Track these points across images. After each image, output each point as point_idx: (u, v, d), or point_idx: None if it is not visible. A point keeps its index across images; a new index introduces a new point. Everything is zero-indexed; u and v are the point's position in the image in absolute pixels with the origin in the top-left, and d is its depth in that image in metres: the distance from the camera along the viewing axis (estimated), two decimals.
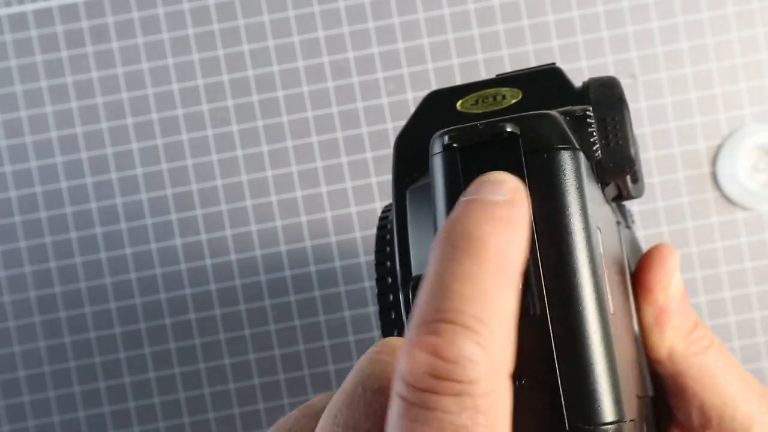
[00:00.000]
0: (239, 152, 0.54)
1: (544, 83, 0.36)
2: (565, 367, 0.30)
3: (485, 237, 0.28)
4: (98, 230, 0.54)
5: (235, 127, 0.54)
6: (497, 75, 0.38)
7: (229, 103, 0.54)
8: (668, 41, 0.54)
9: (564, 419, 0.29)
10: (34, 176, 0.54)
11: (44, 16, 0.54)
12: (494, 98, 0.37)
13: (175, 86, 0.54)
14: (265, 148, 0.54)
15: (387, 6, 0.54)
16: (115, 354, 0.54)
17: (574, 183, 0.31)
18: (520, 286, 0.29)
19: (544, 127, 0.32)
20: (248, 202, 0.54)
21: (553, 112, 0.33)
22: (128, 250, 0.54)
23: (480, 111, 0.37)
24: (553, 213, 0.31)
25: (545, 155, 0.32)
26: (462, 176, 0.31)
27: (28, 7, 0.54)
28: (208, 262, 0.54)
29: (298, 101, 0.54)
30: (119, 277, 0.54)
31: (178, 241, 0.54)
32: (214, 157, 0.54)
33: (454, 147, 0.31)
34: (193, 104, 0.54)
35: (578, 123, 0.34)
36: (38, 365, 0.54)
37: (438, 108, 0.38)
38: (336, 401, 0.31)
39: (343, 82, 0.54)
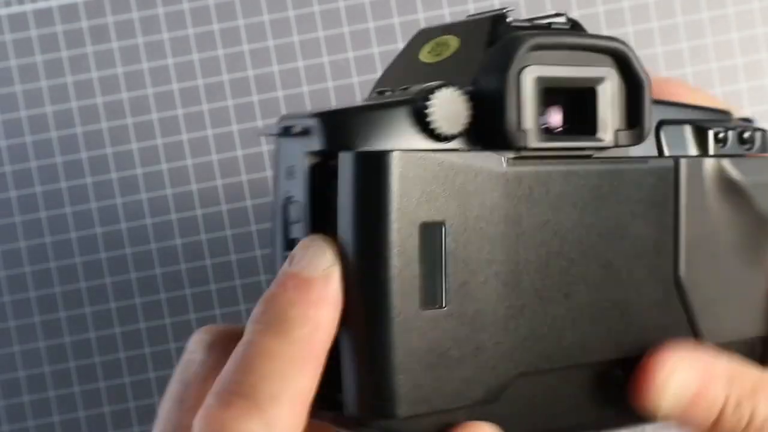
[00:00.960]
0: (239, 152, 0.54)
1: (483, 31, 0.36)
2: (348, 361, 0.31)
3: (296, 320, 0.29)
4: (98, 230, 0.54)
5: (235, 127, 0.54)
6: (468, 16, 0.37)
7: (229, 103, 0.54)
8: (668, 41, 0.54)
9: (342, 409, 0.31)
10: (34, 176, 0.54)
11: (44, 16, 0.54)
12: (442, 47, 0.37)
13: (175, 86, 0.54)
14: (264, 148, 0.54)
15: (387, 6, 0.54)
16: (115, 354, 0.54)
17: (357, 189, 0.31)
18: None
19: (337, 128, 0.32)
20: (248, 202, 0.54)
21: (361, 105, 0.33)
22: (128, 250, 0.54)
23: (429, 61, 0.36)
24: (339, 222, 0.32)
25: (333, 160, 0.32)
26: (279, 166, 0.34)
27: (28, 7, 0.54)
28: (208, 262, 0.54)
29: (298, 101, 0.54)
30: (119, 276, 0.54)
31: (178, 241, 0.54)
32: (214, 157, 0.54)
33: (276, 134, 0.33)
34: (193, 104, 0.54)
35: (418, 113, 0.33)
36: (38, 365, 0.54)
37: (413, 50, 0.38)
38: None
39: (343, 82, 0.54)
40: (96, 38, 0.54)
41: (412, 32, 0.54)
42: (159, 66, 0.54)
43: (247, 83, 0.54)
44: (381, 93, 0.36)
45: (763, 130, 0.40)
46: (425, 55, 0.37)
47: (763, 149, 0.40)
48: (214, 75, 0.54)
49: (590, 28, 0.54)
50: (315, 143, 0.32)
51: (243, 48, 0.54)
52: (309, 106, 0.54)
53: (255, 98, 0.54)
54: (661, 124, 0.38)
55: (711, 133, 0.39)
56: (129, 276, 0.54)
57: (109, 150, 0.54)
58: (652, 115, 0.36)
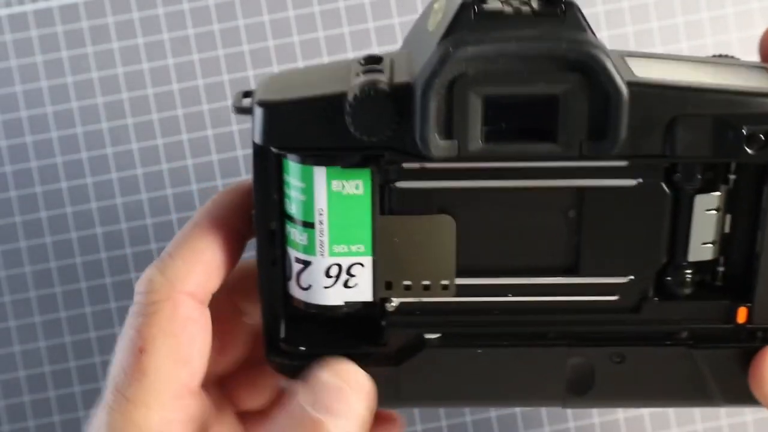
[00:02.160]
0: (239, 152, 0.54)
1: (451, 13, 0.33)
2: None
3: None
4: (98, 230, 0.54)
5: (234, 127, 0.54)
6: None
7: (229, 103, 0.54)
8: (668, 41, 0.54)
9: None
10: (35, 176, 0.54)
11: (44, 16, 0.54)
12: (435, 14, 0.35)
13: (175, 86, 0.54)
14: None
15: (387, 6, 0.54)
16: None
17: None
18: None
19: (270, 126, 0.35)
20: None
21: (296, 99, 0.34)
22: (128, 250, 0.54)
23: (430, 28, 0.34)
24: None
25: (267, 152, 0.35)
26: None
27: (29, 8, 0.54)
28: None
29: None
30: (119, 277, 0.54)
31: None
32: (214, 157, 0.54)
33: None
34: (193, 104, 0.54)
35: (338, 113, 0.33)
36: (38, 365, 0.54)
37: (431, 8, 0.37)
38: None
39: None
40: (96, 38, 0.54)
41: None
42: (159, 66, 0.54)
43: (247, 83, 0.54)
44: (368, 64, 0.34)
45: None
46: (431, 19, 0.35)
47: None
48: (214, 75, 0.54)
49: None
50: (256, 135, 0.35)
51: (243, 48, 0.54)
52: None
53: None
54: (675, 119, 0.33)
55: (744, 132, 0.32)
56: (129, 276, 0.54)
57: (109, 150, 0.54)
58: (624, 125, 0.32)
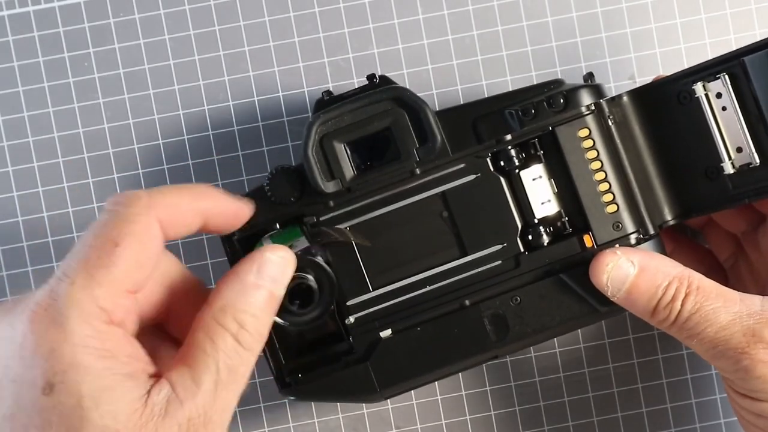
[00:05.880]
0: (240, 153, 0.55)
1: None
2: None
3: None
4: None
5: (235, 128, 0.54)
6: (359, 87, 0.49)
7: (230, 102, 0.54)
8: (667, 42, 0.55)
9: None
10: (37, 176, 0.54)
11: (46, 17, 0.54)
12: None
13: (175, 86, 0.54)
14: (265, 149, 0.54)
15: (387, 6, 0.54)
16: None
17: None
18: None
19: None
20: None
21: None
22: None
23: None
24: None
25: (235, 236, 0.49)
26: None
27: (30, 8, 0.54)
28: (209, 262, 0.55)
29: (299, 101, 0.54)
30: None
31: (178, 240, 0.54)
32: (215, 157, 0.54)
33: None
34: (193, 105, 0.54)
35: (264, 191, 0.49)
36: None
37: None
38: None
39: (343, 82, 0.54)
40: (97, 39, 0.54)
41: (412, 32, 0.54)
42: (160, 66, 0.54)
43: (248, 82, 0.54)
44: None
45: (566, 91, 0.47)
46: None
47: (568, 107, 0.47)
48: (214, 76, 0.55)
49: (589, 29, 0.54)
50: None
51: (243, 48, 0.54)
52: (309, 107, 0.54)
53: (255, 98, 0.54)
54: (475, 120, 0.48)
55: (506, 114, 0.48)
56: None
57: (110, 150, 0.54)
58: (436, 128, 0.47)
